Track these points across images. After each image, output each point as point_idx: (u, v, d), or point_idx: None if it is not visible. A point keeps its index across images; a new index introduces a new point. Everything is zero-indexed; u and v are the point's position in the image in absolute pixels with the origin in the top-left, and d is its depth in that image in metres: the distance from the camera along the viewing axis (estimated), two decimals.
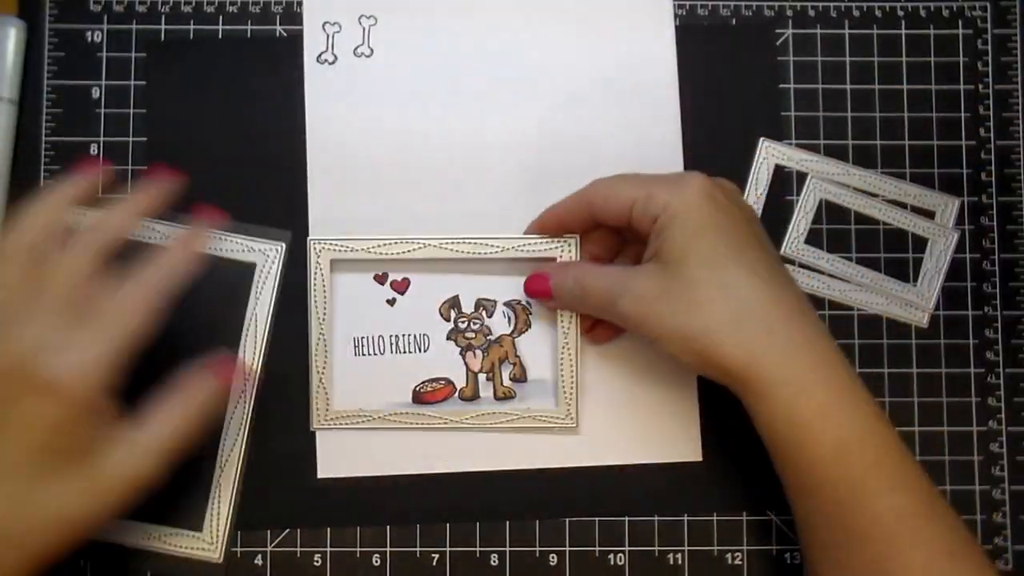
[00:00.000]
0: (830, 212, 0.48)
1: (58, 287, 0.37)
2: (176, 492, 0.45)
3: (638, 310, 0.40)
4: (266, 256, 0.47)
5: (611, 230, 0.45)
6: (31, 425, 0.35)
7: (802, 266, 0.48)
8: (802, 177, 0.48)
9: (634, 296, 0.40)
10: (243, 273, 0.47)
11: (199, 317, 0.46)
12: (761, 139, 0.48)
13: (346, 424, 0.46)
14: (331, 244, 0.46)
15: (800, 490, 0.39)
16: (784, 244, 0.48)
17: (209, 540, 0.45)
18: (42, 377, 0.35)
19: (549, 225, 0.45)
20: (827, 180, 0.48)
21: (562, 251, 0.46)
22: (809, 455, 0.38)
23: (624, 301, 0.40)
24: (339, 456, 0.46)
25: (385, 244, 0.46)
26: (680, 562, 0.46)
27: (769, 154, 0.48)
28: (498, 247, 0.46)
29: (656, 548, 0.46)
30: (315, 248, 0.46)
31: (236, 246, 0.47)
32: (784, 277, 0.41)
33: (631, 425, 0.46)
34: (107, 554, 0.45)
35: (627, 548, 0.46)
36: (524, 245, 0.46)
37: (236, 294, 0.47)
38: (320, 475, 0.46)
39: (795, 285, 0.41)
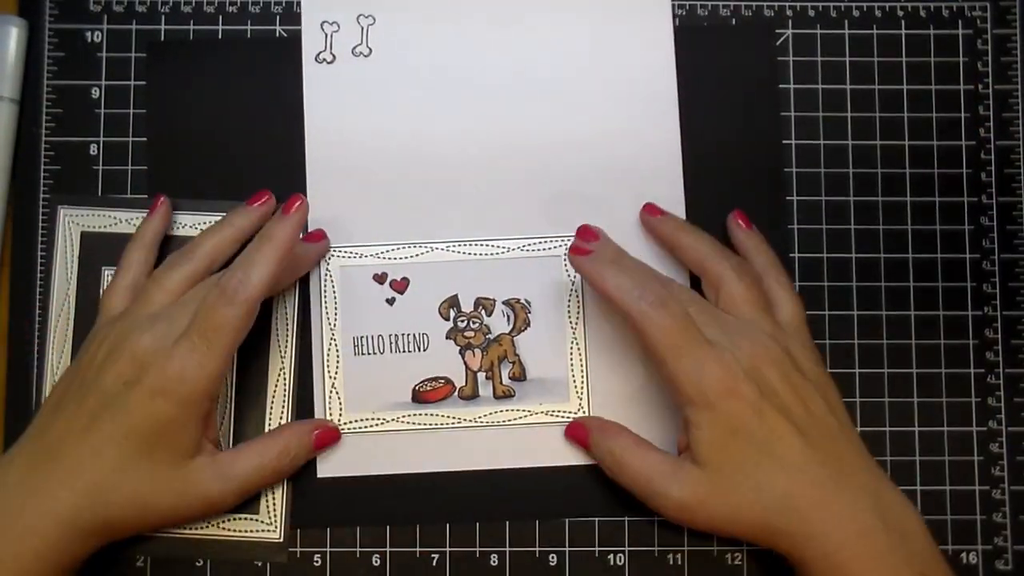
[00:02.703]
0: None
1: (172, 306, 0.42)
2: None
3: (679, 516, 0.41)
4: None
5: None
6: (145, 413, 0.39)
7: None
8: (803, 177, 0.48)
9: (675, 501, 0.41)
10: None
11: None
12: None
13: (356, 428, 0.46)
14: (340, 251, 0.46)
15: None
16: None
17: (268, 520, 0.45)
18: (165, 376, 0.39)
19: None
20: None
21: (566, 252, 0.46)
22: None
23: (662, 502, 0.41)
24: (339, 456, 0.46)
25: (393, 249, 0.46)
26: (680, 562, 0.46)
27: None
28: (503, 247, 0.46)
29: (656, 548, 0.46)
30: (324, 256, 0.46)
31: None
32: (822, 452, 0.40)
33: (634, 421, 0.46)
34: (162, 547, 0.45)
35: (627, 548, 0.46)
36: (529, 246, 0.46)
37: None
38: (320, 475, 0.46)
39: (841, 449, 0.40)
